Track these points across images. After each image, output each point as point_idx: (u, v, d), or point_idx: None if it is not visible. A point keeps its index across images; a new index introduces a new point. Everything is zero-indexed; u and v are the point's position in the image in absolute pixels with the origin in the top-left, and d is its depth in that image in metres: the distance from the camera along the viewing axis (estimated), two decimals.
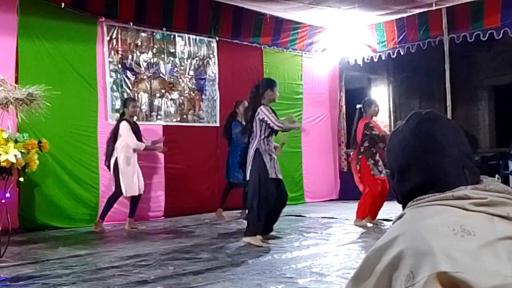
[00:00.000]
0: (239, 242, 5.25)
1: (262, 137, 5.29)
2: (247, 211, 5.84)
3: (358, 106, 6.59)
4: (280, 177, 5.39)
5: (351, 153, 6.86)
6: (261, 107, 5.31)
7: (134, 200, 6.63)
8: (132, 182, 6.46)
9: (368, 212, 6.35)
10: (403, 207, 1.19)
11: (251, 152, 5.31)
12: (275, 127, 5.29)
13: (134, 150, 6.52)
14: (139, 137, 6.60)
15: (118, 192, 6.45)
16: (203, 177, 8.01)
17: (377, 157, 6.34)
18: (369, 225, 6.32)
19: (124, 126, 6.47)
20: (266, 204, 5.19)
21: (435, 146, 1.15)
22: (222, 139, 7.47)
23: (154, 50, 7.73)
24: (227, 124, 7.26)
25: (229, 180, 7.18)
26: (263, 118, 5.25)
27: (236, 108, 7.18)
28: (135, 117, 6.88)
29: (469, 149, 1.18)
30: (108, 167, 6.53)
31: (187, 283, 3.60)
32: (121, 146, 6.42)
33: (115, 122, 6.70)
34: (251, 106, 5.47)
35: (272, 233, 5.59)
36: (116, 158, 6.42)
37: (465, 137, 1.19)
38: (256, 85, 5.55)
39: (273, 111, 5.38)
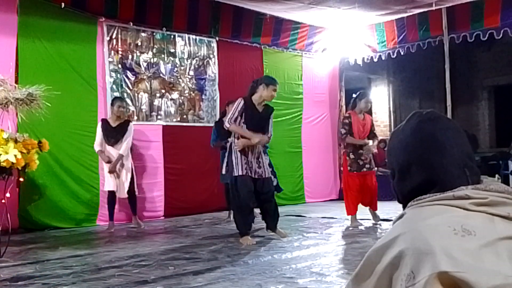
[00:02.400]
0: (239, 243, 5.25)
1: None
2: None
3: (354, 95, 6.59)
4: (257, 176, 5.24)
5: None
6: (240, 98, 5.24)
7: (129, 201, 6.66)
8: (109, 179, 6.49)
9: (352, 209, 6.36)
10: (404, 207, 1.19)
11: (228, 149, 5.33)
12: (225, 124, 5.20)
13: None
14: (114, 138, 6.46)
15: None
16: (203, 177, 8.01)
17: (361, 150, 6.31)
18: (360, 223, 6.35)
19: (98, 127, 6.53)
20: (240, 203, 5.16)
21: (436, 146, 1.15)
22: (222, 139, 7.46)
23: (154, 50, 7.73)
24: (215, 124, 7.26)
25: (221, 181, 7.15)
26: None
27: (226, 107, 7.07)
28: (135, 118, 6.88)
29: (470, 149, 1.18)
30: None
31: (187, 283, 3.60)
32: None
33: None
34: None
35: (278, 230, 5.56)
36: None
37: (466, 137, 1.19)
38: (256, 79, 5.50)
39: (256, 111, 5.26)
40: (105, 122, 6.55)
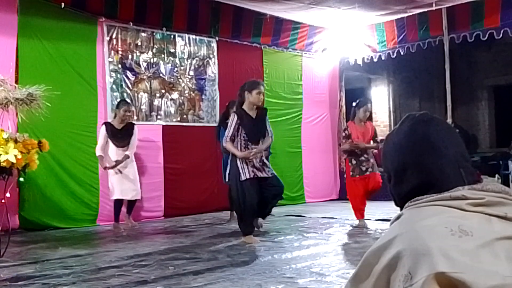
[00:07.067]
0: (239, 242, 5.25)
1: (237, 140, 5.20)
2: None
3: (353, 104, 6.57)
4: (264, 175, 5.22)
5: None
6: (233, 113, 5.25)
7: (130, 202, 6.68)
8: (116, 186, 6.42)
9: (358, 214, 6.36)
10: (401, 210, 1.19)
11: (230, 155, 5.30)
12: (223, 142, 5.22)
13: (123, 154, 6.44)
14: (121, 141, 6.44)
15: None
16: (203, 177, 8.01)
17: (362, 157, 6.30)
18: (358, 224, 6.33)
19: (101, 130, 6.48)
20: (245, 207, 5.13)
21: (430, 147, 1.16)
22: None
23: (154, 50, 7.73)
24: (218, 126, 7.26)
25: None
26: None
27: (229, 109, 7.09)
28: (135, 118, 6.87)
29: (464, 149, 1.18)
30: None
31: (187, 283, 3.60)
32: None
33: None
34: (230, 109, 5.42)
35: (261, 229, 5.62)
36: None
37: (460, 137, 1.19)
38: (241, 86, 5.37)
39: (257, 118, 5.24)
40: (109, 125, 6.49)
